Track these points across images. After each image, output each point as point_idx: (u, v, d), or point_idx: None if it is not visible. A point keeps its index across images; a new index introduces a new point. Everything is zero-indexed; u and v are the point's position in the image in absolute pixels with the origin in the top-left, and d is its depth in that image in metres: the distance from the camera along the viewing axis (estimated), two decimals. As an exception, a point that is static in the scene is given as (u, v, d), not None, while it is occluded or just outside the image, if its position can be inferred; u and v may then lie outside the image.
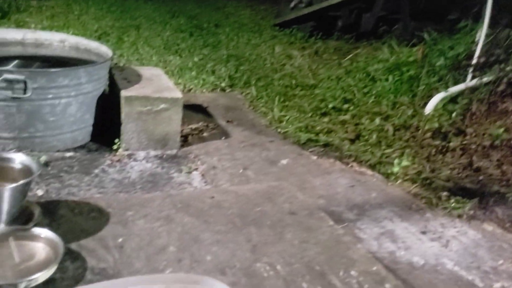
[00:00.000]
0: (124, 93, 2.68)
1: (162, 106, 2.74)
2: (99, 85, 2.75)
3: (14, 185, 1.62)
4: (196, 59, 4.75)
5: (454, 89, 3.70)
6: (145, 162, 2.68)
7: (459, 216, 2.46)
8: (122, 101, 2.67)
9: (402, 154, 3.01)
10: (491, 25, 3.74)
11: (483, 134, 3.18)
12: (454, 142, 3.14)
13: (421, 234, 2.27)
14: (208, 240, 1.75)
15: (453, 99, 3.66)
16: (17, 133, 2.52)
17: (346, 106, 3.77)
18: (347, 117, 3.58)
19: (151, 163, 2.68)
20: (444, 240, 2.24)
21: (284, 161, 2.90)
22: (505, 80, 3.51)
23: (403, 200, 2.58)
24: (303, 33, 6.26)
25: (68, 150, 2.68)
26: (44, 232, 1.57)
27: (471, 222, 2.43)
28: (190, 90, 4.02)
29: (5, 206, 1.60)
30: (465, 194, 2.65)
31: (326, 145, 3.16)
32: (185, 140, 2.99)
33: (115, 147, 2.73)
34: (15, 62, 2.82)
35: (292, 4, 6.71)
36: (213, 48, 5.32)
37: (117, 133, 2.74)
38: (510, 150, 3.03)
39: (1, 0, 5.78)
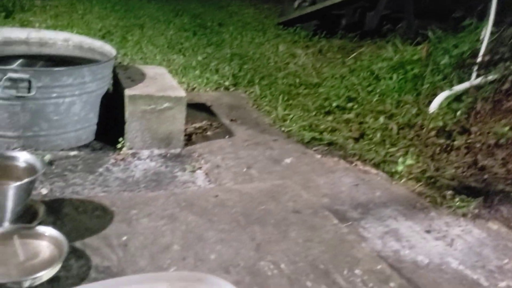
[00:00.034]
0: (128, 92, 2.69)
1: (166, 105, 2.74)
2: (103, 84, 2.76)
3: (18, 183, 1.62)
4: (199, 58, 4.74)
5: (459, 88, 3.69)
6: (149, 161, 2.68)
7: (464, 215, 2.45)
8: (126, 100, 2.67)
9: (406, 153, 3.01)
10: (496, 23, 3.72)
11: (488, 133, 3.16)
12: (459, 141, 3.13)
13: (426, 233, 2.27)
14: (212, 239, 1.75)
15: (457, 98, 3.65)
16: (22, 132, 2.52)
17: (350, 104, 3.76)
18: (351, 115, 3.57)
19: (155, 162, 2.68)
20: (449, 239, 2.23)
21: (288, 160, 2.90)
22: (510, 78, 3.49)
23: (408, 199, 2.58)
24: (307, 31, 6.24)
25: (72, 149, 2.69)
26: (48, 230, 1.57)
27: (476, 221, 2.42)
28: (193, 89, 4.02)
29: (10, 205, 1.61)
30: (470, 192, 2.64)
31: (330, 143, 3.16)
32: (189, 139, 2.99)
33: (119, 146, 2.74)
34: (20, 61, 2.83)
35: (296, 3, 6.70)
36: (217, 47, 5.32)
37: (121, 132, 2.74)
38: (515, 148, 3.02)
39: (6, -1, 5.81)
